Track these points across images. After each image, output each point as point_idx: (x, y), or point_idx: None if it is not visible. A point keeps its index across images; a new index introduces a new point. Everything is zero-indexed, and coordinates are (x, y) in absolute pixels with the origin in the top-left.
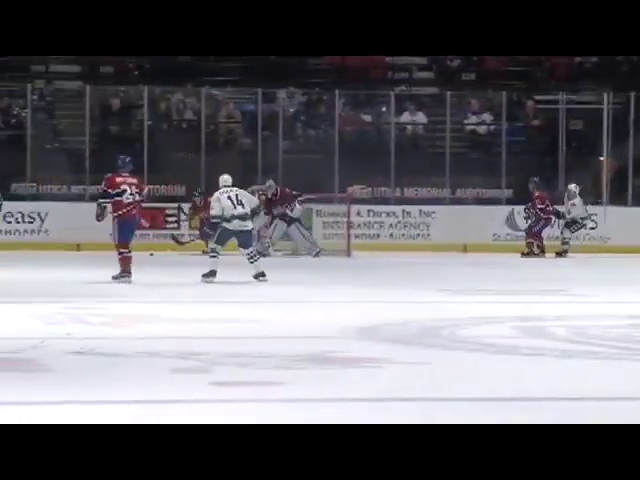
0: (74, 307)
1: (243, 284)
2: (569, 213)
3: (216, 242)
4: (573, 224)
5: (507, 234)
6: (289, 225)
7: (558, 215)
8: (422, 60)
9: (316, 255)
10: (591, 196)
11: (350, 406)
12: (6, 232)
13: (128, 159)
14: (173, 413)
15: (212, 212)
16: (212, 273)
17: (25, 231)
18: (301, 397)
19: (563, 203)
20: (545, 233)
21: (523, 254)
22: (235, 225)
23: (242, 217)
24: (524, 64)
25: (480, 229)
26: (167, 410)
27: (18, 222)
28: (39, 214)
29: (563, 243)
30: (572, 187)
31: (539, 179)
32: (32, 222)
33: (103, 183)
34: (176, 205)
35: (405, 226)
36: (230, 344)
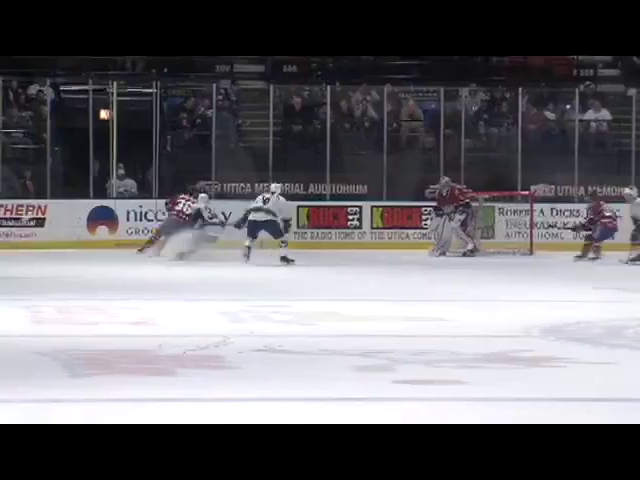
0: (258, 305)
1: (423, 283)
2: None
3: (248, 235)
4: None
5: None
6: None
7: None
8: (607, 57)
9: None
10: None
11: (533, 406)
12: None
13: None
14: (355, 412)
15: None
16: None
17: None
18: (483, 396)
19: None
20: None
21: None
22: (258, 217)
23: (264, 210)
24: None
25: None
26: (350, 409)
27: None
28: (223, 213)
29: None
30: (628, 190)
31: None
32: None
33: None
34: (359, 204)
35: None
36: (413, 342)
